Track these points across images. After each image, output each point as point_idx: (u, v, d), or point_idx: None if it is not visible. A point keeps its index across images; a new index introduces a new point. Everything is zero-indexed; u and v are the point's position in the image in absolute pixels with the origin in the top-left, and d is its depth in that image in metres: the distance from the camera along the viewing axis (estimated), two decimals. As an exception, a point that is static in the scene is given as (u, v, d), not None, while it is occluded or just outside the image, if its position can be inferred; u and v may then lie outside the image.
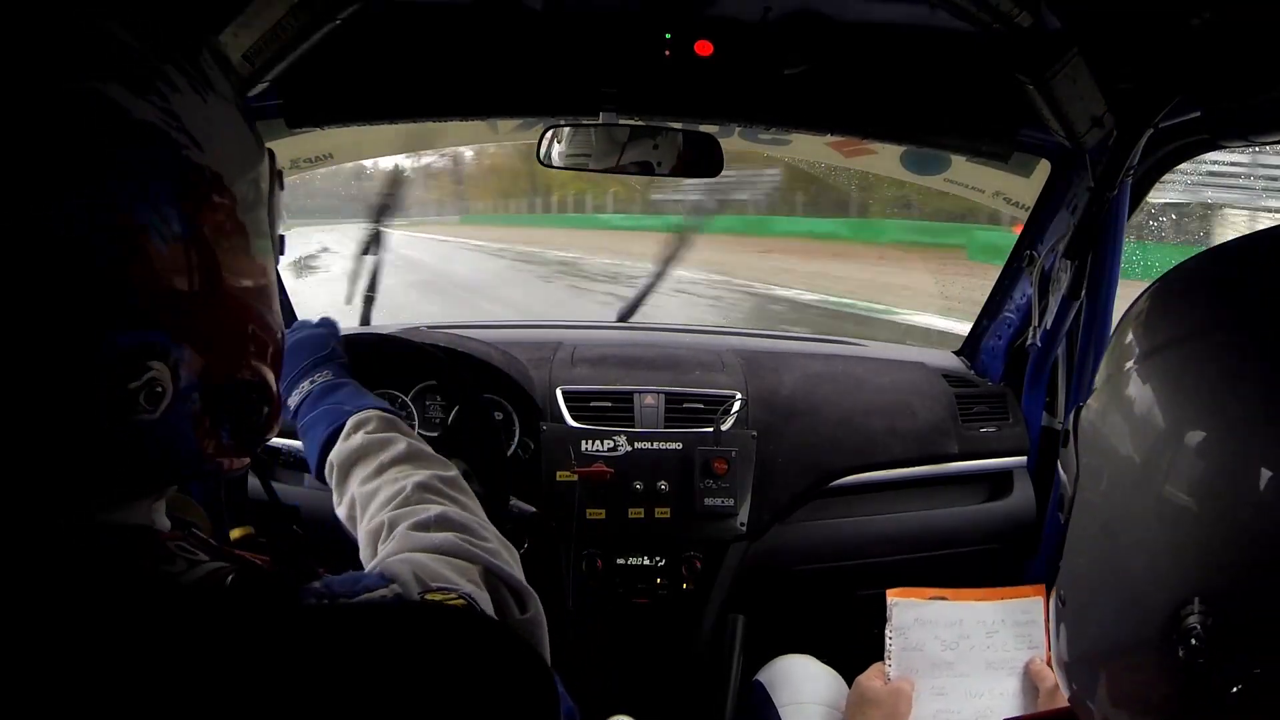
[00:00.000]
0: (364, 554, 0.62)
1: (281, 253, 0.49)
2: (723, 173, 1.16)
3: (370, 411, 0.72)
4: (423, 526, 0.58)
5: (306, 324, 0.86)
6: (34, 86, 0.33)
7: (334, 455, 0.70)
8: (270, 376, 0.45)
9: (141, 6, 0.37)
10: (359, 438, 0.70)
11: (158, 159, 0.36)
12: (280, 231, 0.47)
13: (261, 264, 0.44)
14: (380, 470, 0.67)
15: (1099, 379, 0.42)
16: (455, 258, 14.21)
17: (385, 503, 0.63)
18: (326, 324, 0.86)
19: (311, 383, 0.77)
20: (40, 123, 0.33)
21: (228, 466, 0.44)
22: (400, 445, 0.68)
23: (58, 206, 0.33)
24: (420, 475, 0.64)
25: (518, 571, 0.58)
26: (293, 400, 0.77)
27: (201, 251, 0.38)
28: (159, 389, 0.37)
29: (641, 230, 15.83)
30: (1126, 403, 0.38)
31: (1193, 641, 0.33)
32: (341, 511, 0.69)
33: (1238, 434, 0.33)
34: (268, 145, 0.45)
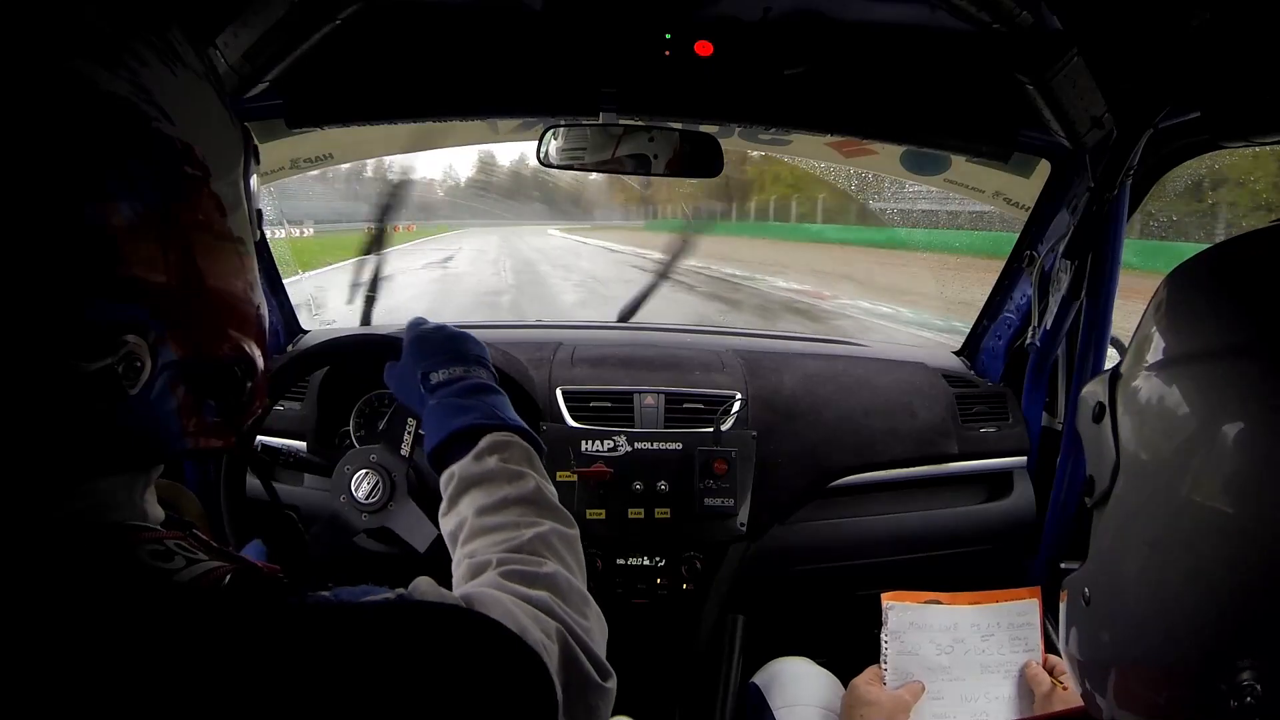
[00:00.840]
0: (456, 579, 0.59)
1: (260, 226, 0.48)
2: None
3: (513, 437, 0.68)
4: (528, 579, 0.55)
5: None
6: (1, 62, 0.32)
7: (459, 468, 0.67)
8: (254, 350, 0.44)
9: None
10: (492, 462, 0.66)
11: (127, 131, 0.36)
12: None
13: (239, 236, 0.43)
14: (503, 505, 0.63)
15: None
16: (608, 286, 10.58)
17: (498, 544, 0.60)
18: None
19: (466, 371, 0.73)
20: (7, 97, 0.32)
21: (214, 445, 0.43)
22: (529, 484, 0.65)
23: (27, 179, 0.33)
24: (542, 527, 0.61)
25: (601, 649, 0.56)
26: (437, 376, 0.73)
27: (174, 223, 0.38)
28: (138, 364, 0.36)
29: (864, 246, 12.41)
30: (1150, 404, 0.36)
31: (1248, 699, 0.30)
32: (446, 526, 0.66)
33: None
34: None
